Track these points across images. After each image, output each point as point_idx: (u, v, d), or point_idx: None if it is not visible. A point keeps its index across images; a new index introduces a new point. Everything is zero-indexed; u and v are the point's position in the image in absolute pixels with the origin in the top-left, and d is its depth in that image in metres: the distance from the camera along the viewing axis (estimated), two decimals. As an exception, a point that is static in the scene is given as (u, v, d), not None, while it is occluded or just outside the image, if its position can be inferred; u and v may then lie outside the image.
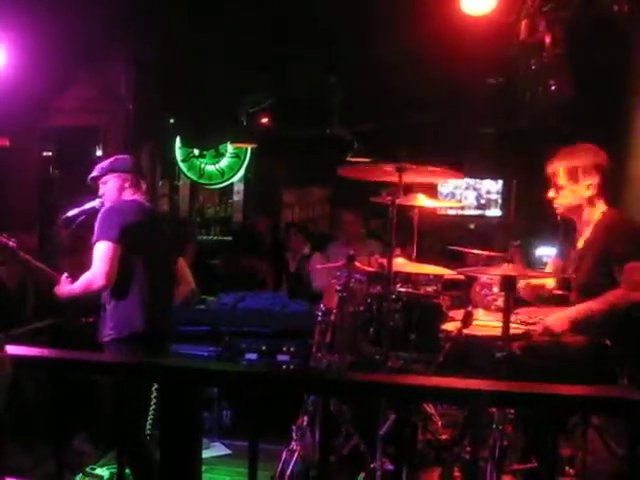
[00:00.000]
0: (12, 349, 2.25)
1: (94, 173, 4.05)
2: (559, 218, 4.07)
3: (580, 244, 3.92)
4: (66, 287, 3.89)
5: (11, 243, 3.78)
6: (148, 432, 4.19)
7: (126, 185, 4.00)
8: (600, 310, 3.64)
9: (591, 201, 3.84)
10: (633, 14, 4.74)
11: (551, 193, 3.94)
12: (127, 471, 3.61)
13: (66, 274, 3.94)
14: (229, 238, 10.50)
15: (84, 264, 5.79)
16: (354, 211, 6.98)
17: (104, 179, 4.03)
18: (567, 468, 3.80)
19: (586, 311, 3.68)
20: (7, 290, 5.13)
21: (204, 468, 4.64)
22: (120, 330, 3.84)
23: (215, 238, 10.74)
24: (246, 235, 8.94)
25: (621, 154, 5.40)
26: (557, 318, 3.73)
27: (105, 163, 4.07)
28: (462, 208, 10.29)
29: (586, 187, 3.81)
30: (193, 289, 6.22)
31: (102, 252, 3.75)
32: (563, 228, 4.13)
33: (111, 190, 4.01)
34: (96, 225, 3.83)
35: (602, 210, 3.84)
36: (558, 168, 3.85)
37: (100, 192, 4.04)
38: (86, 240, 5.79)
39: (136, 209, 3.94)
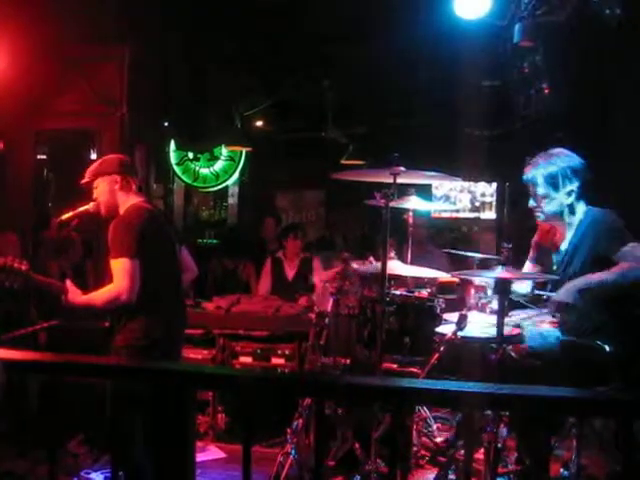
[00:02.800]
0: (4, 353, 2.25)
1: (84, 179, 4.06)
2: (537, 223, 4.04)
3: (564, 247, 3.90)
4: (80, 297, 3.87)
5: (24, 267, 3.78)
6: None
7: (116, 187, 3.99)
8: (607, 280, 3.57)
9: (571, 206, 3.83)
10: (625, 18, 4.77)
11: (531, 202, 3.89)
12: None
13: (69, 281, 3.92)
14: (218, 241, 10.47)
15: (78, 266, 5.83)
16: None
17: (95, 184, 4.03)
18: (562, 470, 3.81)
19: (591, 281, 3.61)
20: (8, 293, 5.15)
21: (198, 471, 4.66)
22: (140, 338, 3.84)
23: (208, 241, 10.72)
24: (233, 238, 8.87)
25: (612, 157, 5.42)
26: (565, 289, 3.65)
27: (93, 167, 4.07)
28: (457, 211, 10.31)
29: (567, 193, 3.80)
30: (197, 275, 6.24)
31: (123, 268, 3.75)
32: (537, 235, 4.10)
33: (103, 193, 4.01)
34: (110, 240, 3.82)
35: (583, 210, 3.83)
36: (537, 176, 3.83)
37: (94, 196, 4.04)
38: (78, 242, 5.83)
39: (143, 216, 3.93)
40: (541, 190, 3.82)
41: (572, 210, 3.84)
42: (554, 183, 3.78)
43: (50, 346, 5.09)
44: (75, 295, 3.86)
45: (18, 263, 3.77)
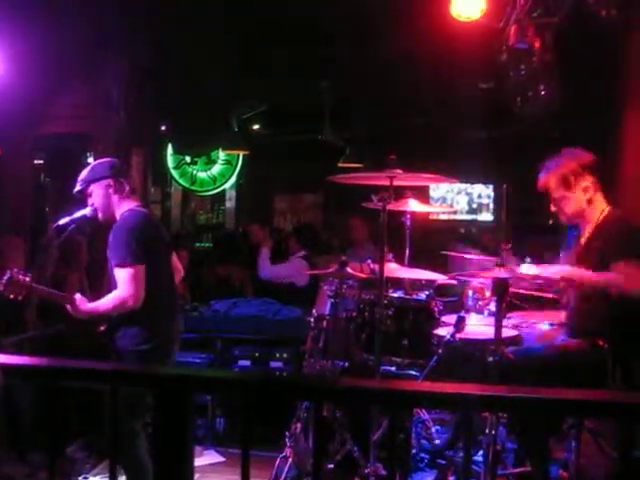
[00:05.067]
0: (3, 358, 2.24)
1: (77, 187, 4.02)
2: (551, 221, 4.06)
3: (582, 244, 3.89)
4: (85, 305, 3.86)
5: (27, 279, 3.78)
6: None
7: (110, 191, 3.96)
8: (597, 282, 3.60)
9: (590, 202, 3.82)
10: (621, 18, 4.77)
11: (553, 207, 3.91)
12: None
13: (79, 294, 3.91)
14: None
15: (77, 272, 5.82)
16: (361, 216, 6.98)
17: (88, 191, 4.00)
18: (561, 471, 3.81)
19: (590, 279, 3.62)
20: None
21: (197, 476, 4.65)
22: (141, 343, 3.83)
23: (206, 245, 10.72)
24: (225, 242, 8.88)
25: (611, 156, 5.43)
26: (574, 271, 3.67)
27: (85, 174, 4.03)
28: (454, 213, 10.30)
29: (583, 190, 3.80)
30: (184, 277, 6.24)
31: (128, 276, 3.74)
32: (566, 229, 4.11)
33: (98, 199, 3.99)
34: (112, 247, 3.82)
35: (603, 209, 3.82)
36: (550, 181, 3.84)
37: (89, 203, 4.03)
38: (77, 248, 5.81)
39: (141, 220, 3.93)
40: (557, 193, 3.83)
41: (590, 206, 3.82)
42: (567, 184, 3.79)
43: (50, 351, 5.08)
44: (82, 304, 3.85)
45: (22, 275, 3.77)
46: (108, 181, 3.97)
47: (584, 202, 3.81)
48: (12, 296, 3.77)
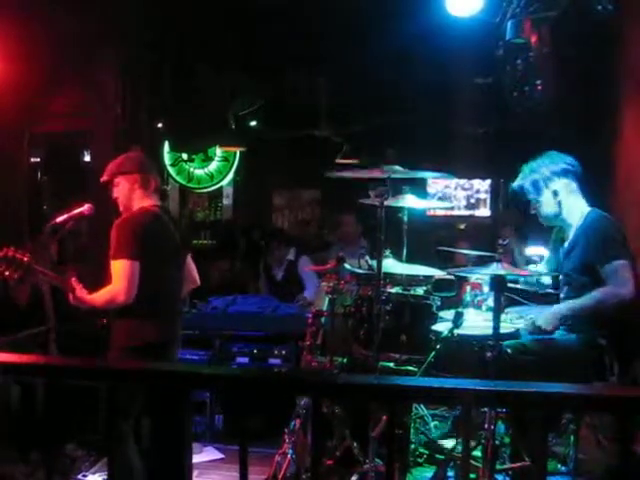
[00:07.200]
0: (1, 356, 2.24)
1: (104, 177, 4.08)
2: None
3: (565, 245, 3.96)
4: (84, 295, 3.87)
5: (26, 258, 3.77)
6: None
7: (135, 186, 4.03)
8: (588, 307, 3.68)
9: (561, 204, 3.90)
10: (617, 14, 4.77)
11: (532, 210, 4.03)
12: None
13: (74, 278, 3.91)
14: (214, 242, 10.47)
15: (75, 269, 5.80)
16: (352, 213, 6.98)
17: (115, 182, 4.06)
18: (559, 466, 3.82)
19: (574, 308, 3.72)
20: (17, 308, 5.15)
21: (196, 473, 4.66)
22: (134, 339, 3.84)
23: (204, 242, 10.71)
24: (227, 238, 8.86)
25: (606, 154, 5.42)
26: (546, 317, 3.76)
27: (113, 165, 4.09)
28: (451, 208, 10.28)
29: (552, 193, 3.89)
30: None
31: (122, 270, 3.76)
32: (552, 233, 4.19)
33: (122, 192, 4.05)
34: (112, 239, 3.82)
35: (583, 211, 3.88)
36: (523, 185, 3.97)
37: (114, 195, 4.07)
38: (74, 245, 5.82)
39: (148, 219, 3.95)
40: (529, 196, 3.97)
41: (563, 207, 3.90)
42: (537, 188, 3.93)
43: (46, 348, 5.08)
44: (82, 294, 3.86)
45: (20, 254, 3.76)
46: (136, 176, 4.03)
47: (554, 205, 3.90)
48: (7, 274, 3.74)
